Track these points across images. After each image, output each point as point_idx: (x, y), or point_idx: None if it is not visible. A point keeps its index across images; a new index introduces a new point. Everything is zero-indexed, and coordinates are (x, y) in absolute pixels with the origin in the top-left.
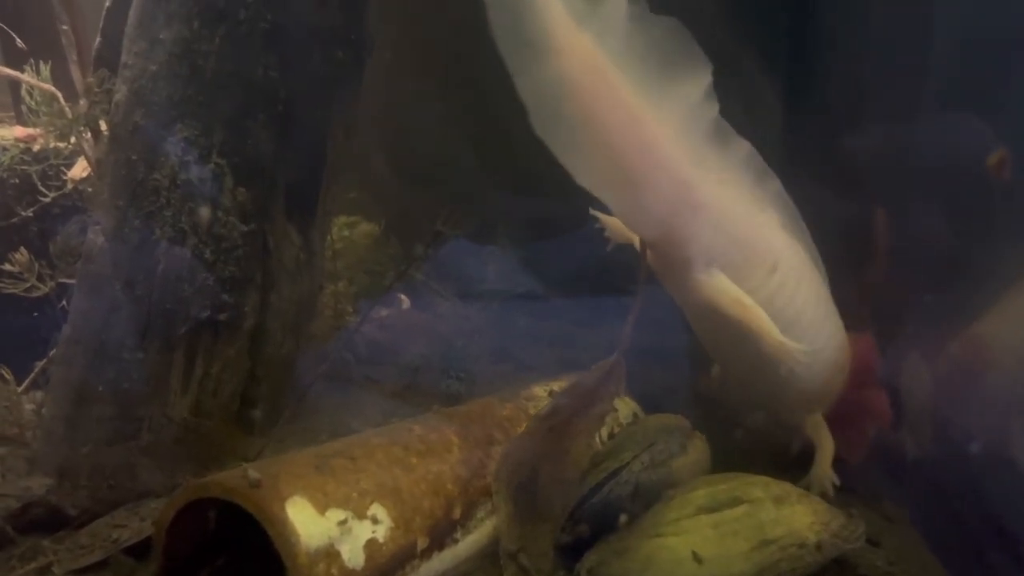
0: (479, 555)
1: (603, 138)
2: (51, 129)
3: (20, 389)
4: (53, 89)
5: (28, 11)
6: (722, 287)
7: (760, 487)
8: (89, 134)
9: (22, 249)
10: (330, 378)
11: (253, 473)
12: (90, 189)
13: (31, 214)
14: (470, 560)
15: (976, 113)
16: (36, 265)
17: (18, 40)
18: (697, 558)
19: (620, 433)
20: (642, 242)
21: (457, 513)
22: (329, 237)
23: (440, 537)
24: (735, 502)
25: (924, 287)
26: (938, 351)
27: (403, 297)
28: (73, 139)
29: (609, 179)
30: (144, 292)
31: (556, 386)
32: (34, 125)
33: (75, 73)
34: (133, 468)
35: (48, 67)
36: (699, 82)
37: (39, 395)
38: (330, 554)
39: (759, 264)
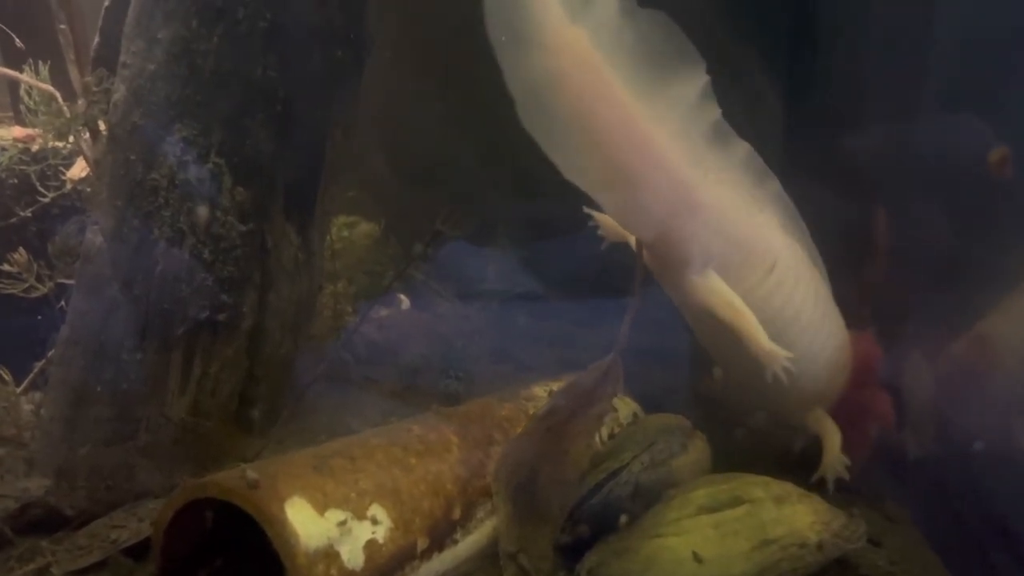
0: (479, 556)
1: (598, 136)
2: (50, 129)
3: (19, 390)
4: (52, 89)
5: (27, 11)
6: (715, 289)
7: (761, 487)
8: (87, 134)
9: (21, 249)
10: (329, 378)
11: (252, 473)
12: (89, 189)
13: (30, 214)
14: (470, 561)
15: (976, 113)
16: (35, 265)
17: (17, 40)
18: (698, 558)
19: (620, 433)
20: (638, 242)
21: (457, 514)
22: (328, 237)
23: (440, 538)
24: (736, 502)
25: (925, 287)
26: (939, 351)
27: (402, 297)
28: (72, 139)
29: (604, 178)
30: (142, 292)
31: (556, 386)
32: (33, 125)
33: (73, 73)
34: (131, 469)
35: (47, 67)
36: (694, 80)
37: (38, 396)
38: (329, 555)
39: (757, 264)
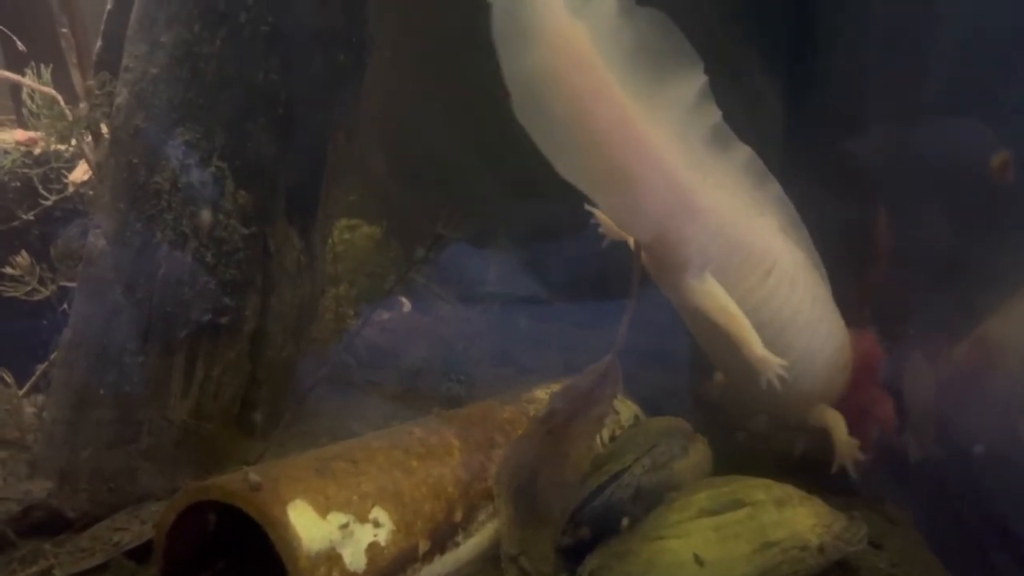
0: (481, 558)
1: (594, 136)
2: (52, 132)
3: (21, 392)
4: (54, 92)
5: (28, 14)
6: (711, 292)
7: (762, 489)
8: (90, 137)
9: (23, 252)
10: (331, 381)
11: (254, 476)
12: (91, 192)
13: (32, 217)
14: (471, 563)
15: (976, 113)
16: (37, 268)
17: (19, 43)
18: (699, 561)
19: (621, 436)
20: (636, 243)
21: (458, 516)
22: (330, 240)
23: (441, 540)
24: (737, 504)
25: (925, 288)
26: (940, 353)
27: (404, 300)
28: (74, 142)
29: (601, 178)
30: (145, 295)
31: (557, 389)
32: (35, 128)
33: (75, 76)
34: (134, 471)
35: (49, 70)
36: (691, 81)
37: (40, 398)
38: (331, 557)
39: (756, 267)
